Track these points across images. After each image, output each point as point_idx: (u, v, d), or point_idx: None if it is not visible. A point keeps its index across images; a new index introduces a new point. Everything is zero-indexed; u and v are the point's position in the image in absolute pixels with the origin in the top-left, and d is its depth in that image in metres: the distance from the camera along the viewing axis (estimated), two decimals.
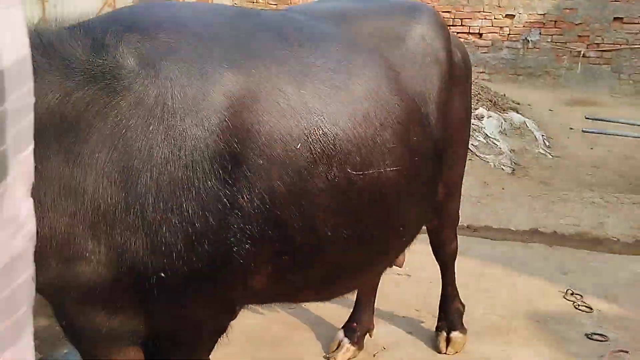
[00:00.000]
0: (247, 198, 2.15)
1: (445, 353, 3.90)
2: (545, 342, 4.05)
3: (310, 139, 2.32)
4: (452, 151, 3.41)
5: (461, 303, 4.13)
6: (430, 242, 3.96)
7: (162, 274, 2.02)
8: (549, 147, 8.71)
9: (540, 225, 6.00)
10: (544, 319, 4.32)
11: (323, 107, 2.41)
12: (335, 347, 3.92)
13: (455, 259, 4.09)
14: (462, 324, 4.03)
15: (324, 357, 3.90)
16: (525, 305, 4.49)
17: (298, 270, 2.48)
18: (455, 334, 3.97)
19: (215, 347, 2.46)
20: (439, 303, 4.09)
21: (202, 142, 2.07)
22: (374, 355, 3.92)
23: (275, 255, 2.33)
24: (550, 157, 8.43)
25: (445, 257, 4.05)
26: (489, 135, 8.42)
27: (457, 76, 3.35)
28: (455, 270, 4.10)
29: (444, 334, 3.97)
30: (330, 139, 2.38)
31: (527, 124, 9.00)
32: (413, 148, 2.78)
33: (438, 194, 3.39)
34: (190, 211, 2.02)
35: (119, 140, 1.96)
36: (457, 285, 4.52)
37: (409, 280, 4.80)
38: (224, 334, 2.45)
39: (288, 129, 2.28)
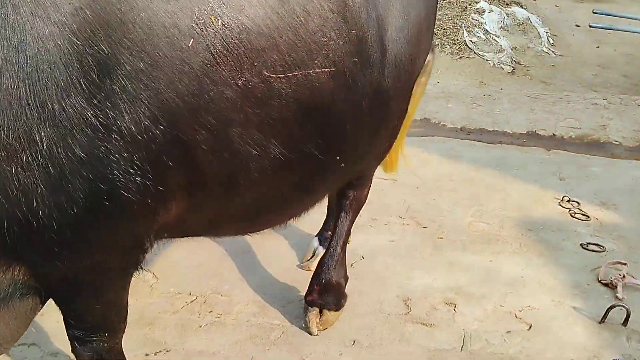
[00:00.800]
0: (129, 117, 1.63)
1: (316, 333, 3.10)
2: (537, 252, 3.77)
3: (207, 33, 1.76)
4: (414, 52, 2.63)
5: (345, 275, 3.23)
6: None
7: (25, 222, 1.58)
8: (552, 44, 8.17)
9: (538, 128, 5.63)
10: (536, 227, 4.02)
11: None
12: (309, 256, 3.64)
13: (361, 208, 3.24)
14: (340, 302, 3.16)
15: (298, 266, 3.64)
16: (516, 212, 4.18)
17: (215, 203, 2.03)
18: (329, 313, 3.13)
19: (131, 279, 2.07)
20: (315, 267, 3.23)
21: (51, 42, 1.53)
22: (352, 265, 3.63)
23: (183, 188, 1.88)
24: (554, 55, 7.92)
25: (351, 199, 3.12)
26: (489, 31, 7.87)
27: None
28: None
29: (315, 310, 3.10)
30: (234, 32, 1.81)
31: (531, 20, 8.41)
32: (353, 44, 2.18)
33: (396, 110, 2.67)
34: (45, 141, 1.53)
35: None
36: (444, 192, 4.21)
37: (394, 185, 4.47)
38: (138, 267, 2.04)
39: (174, 18, 1.70)
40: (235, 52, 1.82)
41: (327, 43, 2.06)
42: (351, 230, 3.19)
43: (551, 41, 8.28)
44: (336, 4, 2.10)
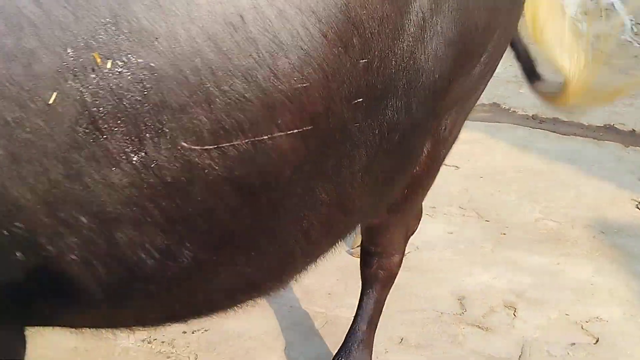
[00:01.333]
0: None
1: None
2: (610, 257, 3.45)
3: (84, 81, 1.11)
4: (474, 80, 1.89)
5: None
6: (362, 248, 2.54)
7: None
8: (636, 34, 7.65)
9: (616, 122, 5.22)
10: (610, 230, 3.69)
11: (119, 5, 1.12)
12: (360, 242, 3.42)
13: (392, 283, 2.56)
14: None
15: (347, 251, 3.44)
16: (589, 212, 3.85)
17: (103, 313, 1.44)
18: None
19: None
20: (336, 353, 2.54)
21: None
22: (405, 255, 3.41)
23: (49, 303, 1.31)
24: (637, 45, 7.41)
25: (374, 268, 2.47)
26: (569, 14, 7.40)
27: None
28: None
29: None
30: (133, 79, 1.13)
31: (615, 6, 7.88)
32: (356, 79, 1.35)
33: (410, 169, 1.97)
34: None
35: None
36: (510, 184, 3.93)
37: (456, 172, 4.20)
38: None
39: (27, 57, 1.08)
40: (132, 112, 1.14)
41: (306, 90, 1.27)
42: (382, 309, 2.54)
43: (635, 30, 7.76)
44: (336, 28, 1.28)
